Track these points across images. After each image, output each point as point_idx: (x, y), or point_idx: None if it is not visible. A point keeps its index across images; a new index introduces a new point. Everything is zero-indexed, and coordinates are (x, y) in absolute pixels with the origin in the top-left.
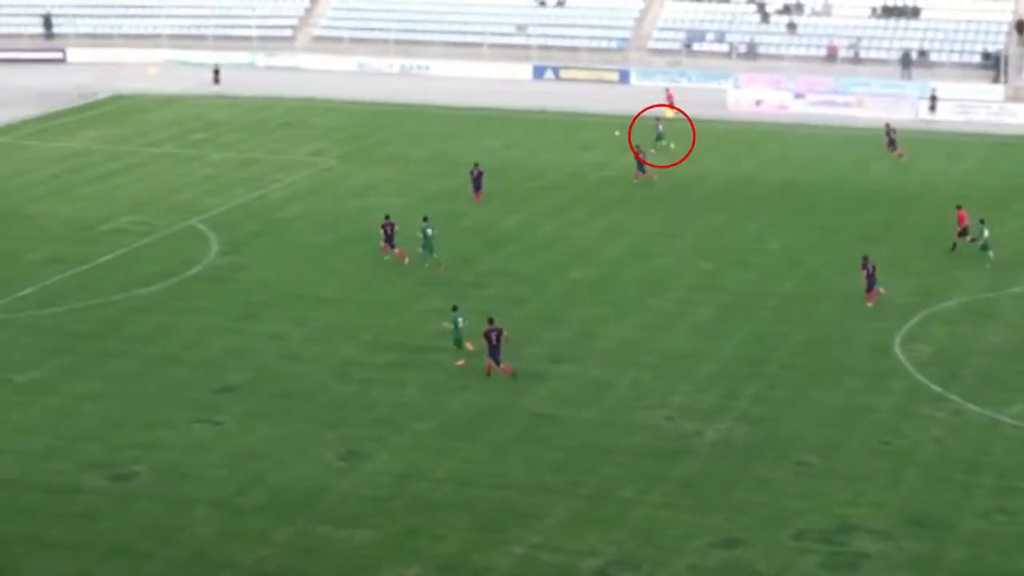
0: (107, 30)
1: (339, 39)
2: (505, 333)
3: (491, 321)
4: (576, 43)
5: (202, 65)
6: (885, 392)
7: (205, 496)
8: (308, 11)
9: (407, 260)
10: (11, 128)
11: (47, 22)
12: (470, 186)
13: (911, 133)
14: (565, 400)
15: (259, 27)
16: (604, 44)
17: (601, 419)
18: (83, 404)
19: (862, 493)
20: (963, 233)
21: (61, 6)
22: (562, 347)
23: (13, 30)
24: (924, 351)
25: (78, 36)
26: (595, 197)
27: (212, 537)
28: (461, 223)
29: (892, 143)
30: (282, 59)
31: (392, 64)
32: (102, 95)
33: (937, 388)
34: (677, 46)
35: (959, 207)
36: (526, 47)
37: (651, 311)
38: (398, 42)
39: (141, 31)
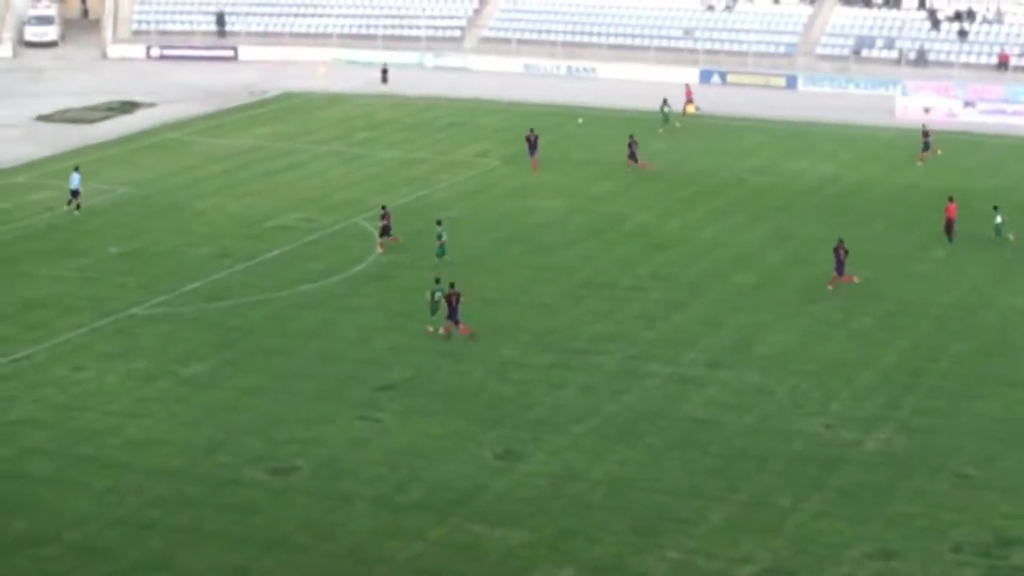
0: (278, 28)
1: (507, 40)
2: (463, 297)
3: (452, 286)
4: (743, 48)
5: (370, 64)
6: None
7: (363, 492)
8: (477, 12)
9: (380, 249)
10: (183, 124)
11: (220, 20)
12: (526, 152)
13: None
14: (723, 406)
15: (428, 28)
16: (772, 49)
17: (759, 426)
18: (246, 398)
19: (1022, 506)
20: (949, 226)
21: (234, 4)
22: (721, 352)
23: (187, 27)
24: None
25: (250, 34)
26: (757, 202)
27: (368, 533)
28: (623, 226)
29: (927, 146)
30: (450, 60)
31: (558, 66)
32: (272, 93)
33: None
34: (846, 52)
35: (951, 199)
36: (693, 51)
37: (811, 318)
38: (565, 44)
39: (311, 30)
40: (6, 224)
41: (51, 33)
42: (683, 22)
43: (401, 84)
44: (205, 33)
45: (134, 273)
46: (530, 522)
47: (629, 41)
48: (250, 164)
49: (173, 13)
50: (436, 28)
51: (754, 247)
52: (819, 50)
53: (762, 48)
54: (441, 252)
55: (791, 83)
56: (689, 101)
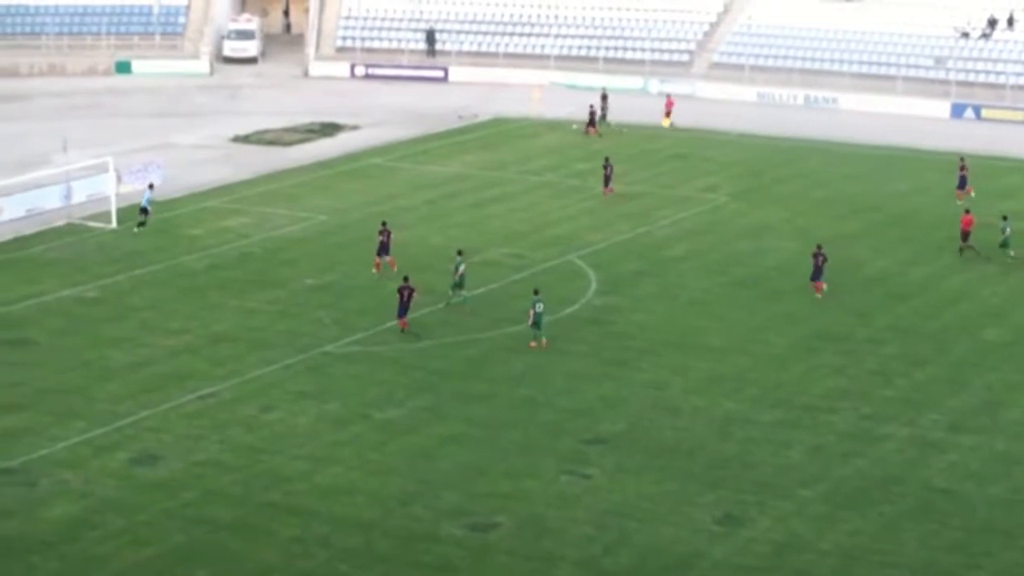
0: (492, 48)
1: (739, 66)
2: (415, 294)
3: (406, 279)
4: (1001, 80)
5: (589, 89)
6: None
7: (568, 554)
8: (707, 35)
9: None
10: (387, 149)
11: (430, 38)
12: (602, 181)
13: None
14: (967, 474)
15: (653, 51)
16: None
17: (1007, 497)
18: (444, 447)
19: None
20: (965, 237)
21: (445, 22)
22: (966, 415)
23: (395, 45)
24: None
25: (461, 54)
26: None
27: None
28: (862, 272)
29: (963, 181)
30: (676, 86)
31: (795, 95)
32: (483, 117)
33: None
34: None
35: (967, 211)
36: (945, 82)
37: None
38: (803, 71)
39: (527, 50)
40: (196, 252)
41: (251, 49)
42: (934, 50)
43: (622, 111)
44: (413, 52)
45: (330, 307)
46: None
47: (874, 70)
48: (457, 194)
49: (380, 30)
50: (662, 51)
51: (1005, 299)
52: None
53: (1023, 81)
54: (458, 285)
55: None
56: (668, 114)
